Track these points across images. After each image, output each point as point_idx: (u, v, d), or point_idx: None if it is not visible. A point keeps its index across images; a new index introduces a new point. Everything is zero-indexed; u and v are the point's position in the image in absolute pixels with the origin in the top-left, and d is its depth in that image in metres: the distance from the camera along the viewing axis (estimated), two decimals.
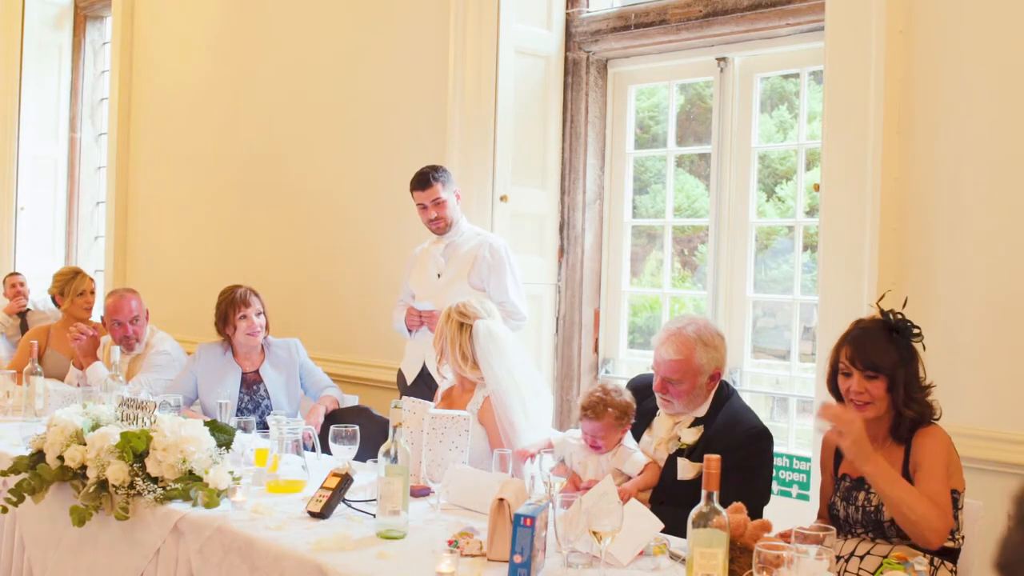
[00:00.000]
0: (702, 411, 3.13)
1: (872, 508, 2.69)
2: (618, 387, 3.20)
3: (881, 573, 2.33)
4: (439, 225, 4.37)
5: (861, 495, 2.73)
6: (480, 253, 4.32)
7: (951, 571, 2.65)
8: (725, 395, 3.15)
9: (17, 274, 6.56)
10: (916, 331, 2.74)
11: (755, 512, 2.83)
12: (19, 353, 5.36)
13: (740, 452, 2.90)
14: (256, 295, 4.40)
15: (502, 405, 3.37)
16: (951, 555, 2.67)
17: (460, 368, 3.47)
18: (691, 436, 3.07)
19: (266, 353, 4.44)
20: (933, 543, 2.56)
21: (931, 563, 2.61)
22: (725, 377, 3.22)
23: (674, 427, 3.15)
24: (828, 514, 2.84)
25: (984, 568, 2.80)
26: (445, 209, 4.35)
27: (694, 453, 3.02)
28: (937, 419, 2.75)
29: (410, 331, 4.40)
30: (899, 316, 2.75)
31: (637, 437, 3.24)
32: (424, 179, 4.35)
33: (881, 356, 2.70)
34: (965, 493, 2.72)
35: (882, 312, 2.76)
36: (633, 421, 3.17)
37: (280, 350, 4.47)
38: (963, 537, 2.68)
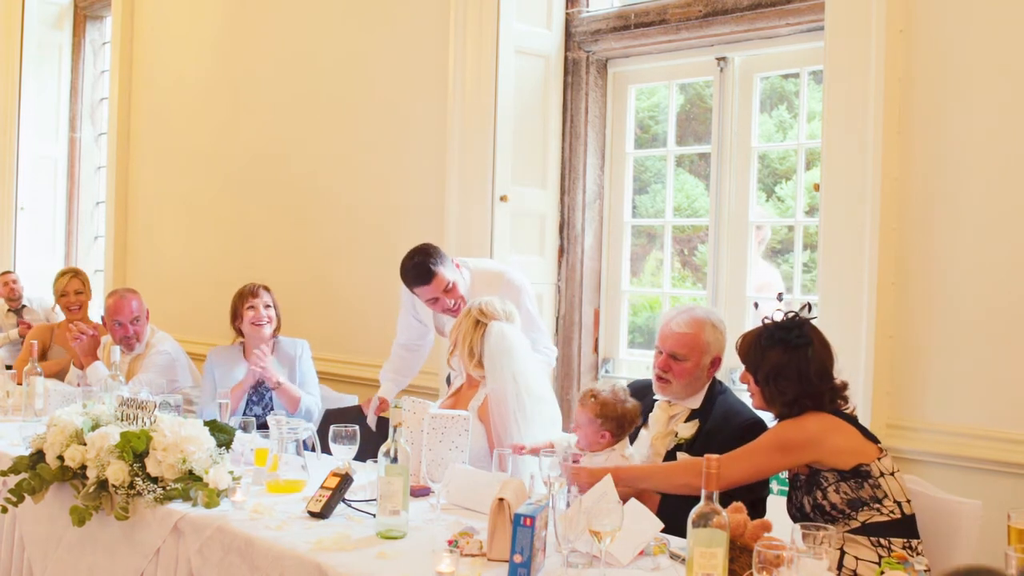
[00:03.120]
0: (696, 403, 3.19)
1: (808, 508, 2.76)
2: (623, 397, 3.18)
3: (881, 573, 2.33)
4: (455, 311, 3.86)
5: (797, 495, 2.81)
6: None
7: (903, 545, 2.66)
8: (718, 391, 3.22)
9: (9, 272, 6.61)
10: (798, 332, 2.82)
11: (756, 504, 2.88)
12: (25, 352, 5.38)
13: (738, 443, 2.92)
14: (267, 290, 4.49)
15: (498, 408, 3.36)
16: (897, 529, 2.68)
17: (465, 364, 3.48)
18: (688, 430, 3.13)
19: (275, 351, 4.48)
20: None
21: (886, 546, 2.66)
22: (724, 377, 3.25)
23: (670, 422, 3.20)
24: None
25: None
26: (458, 290, 3.89)
27: (693, 447, 3.08)
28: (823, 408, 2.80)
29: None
30: (788, 317, 2.87)
31: (634, 434, 3.26)
32: (423, 270, 3.82)
33: (746, 355, 2.89)
34: (967, 493, 2.75)
35: (763, 319, 2.91)
36: (625, 433, 3.17)
37: (287, 347, 4.52)
38: (898, 503, 2.69)
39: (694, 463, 2.82)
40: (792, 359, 2.79)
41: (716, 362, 3.21)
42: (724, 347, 3.23)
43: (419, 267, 3.86)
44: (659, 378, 3.21)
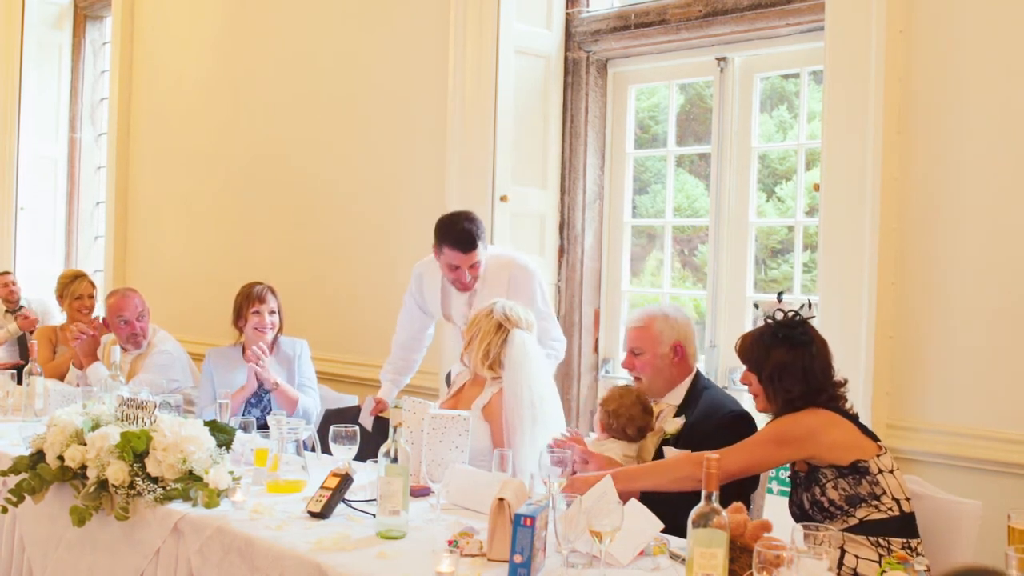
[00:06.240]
0: (677, 398, 3.28)
1: (807, 505, 2.77)
2: (636, 414, 3.27)
3: (882, 573, 2.33)
4: (467, 287, 3.98)
5: (797, 493, 2.83)
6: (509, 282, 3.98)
7: (903, 545, 2.66)
8: (702, 386, 3.30)
9: (8, 273, 6.60)
10: (802, 329, 2.85)
11: (746, 497, 2.92)
12: (42, 349, 5.38)
13: (723, 434, 2.98)
14: (273, 294, 4.46)
15: (511, 412, 3.35)
16: (896, 526, 2.68)
17: (477, 364, 3.47)
18: (674, 426, 3.21)
19: (274, 351, 4.46)
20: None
21: (885, 546, 2.66)
22: (724, 378, 3.26)
23: (655, 419, 3.31)
24: None
25: None
26: (479, 270, 3.94)
27: (679, 442, 3.15)
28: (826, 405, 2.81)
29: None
30: (789, 315, 2.89)
31: None
32: (468, 239, 3.84)
33: (748, 355, 2.89)
34: (967, 493, 2.76)
35: (765, 319, 2.93)
36: (621, 437, 3.27)
37: (286, 347, 4.50)
38: (896, 501, 2.70)
39: (694, 455, 2.83)
40: (796, 356, 2.81)
41: (678, 350, 3.28)
42: (685, 334, 3.31)
43: (466, 234, 3.85)
44: (635, 380, 3.35)
